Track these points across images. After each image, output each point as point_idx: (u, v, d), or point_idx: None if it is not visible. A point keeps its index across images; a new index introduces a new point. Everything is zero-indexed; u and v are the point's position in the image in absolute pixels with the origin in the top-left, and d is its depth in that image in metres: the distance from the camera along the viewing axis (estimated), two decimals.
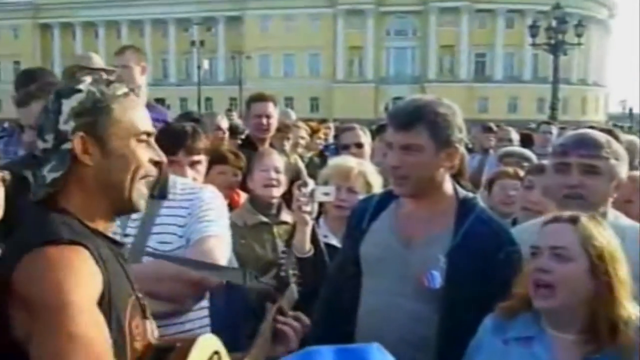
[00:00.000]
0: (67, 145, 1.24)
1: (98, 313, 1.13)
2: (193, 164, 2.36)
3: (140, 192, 1.29)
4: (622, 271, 1.59)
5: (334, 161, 2.94)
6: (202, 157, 2.42)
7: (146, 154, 1.29)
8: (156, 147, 1.33)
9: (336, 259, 2.28)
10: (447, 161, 1.90)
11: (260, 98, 4.02)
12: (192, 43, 47.44)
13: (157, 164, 1.32)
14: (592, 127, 2.97)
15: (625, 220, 2.02)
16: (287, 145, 4.39)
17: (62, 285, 1.10)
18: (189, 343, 1.24)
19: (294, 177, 3.37)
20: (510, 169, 3.38)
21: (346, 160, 2.89)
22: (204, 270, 1.84)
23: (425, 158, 1.86)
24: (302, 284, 2.22)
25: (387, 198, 2.06)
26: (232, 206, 3.07)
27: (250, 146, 3.83)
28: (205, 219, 1.98)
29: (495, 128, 6.05)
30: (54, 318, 1.08)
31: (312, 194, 2.38)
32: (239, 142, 4.38)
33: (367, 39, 60.69)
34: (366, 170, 2.72)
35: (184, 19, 61.11)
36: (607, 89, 67.16)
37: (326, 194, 2.41)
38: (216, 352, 1.29)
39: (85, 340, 1.07)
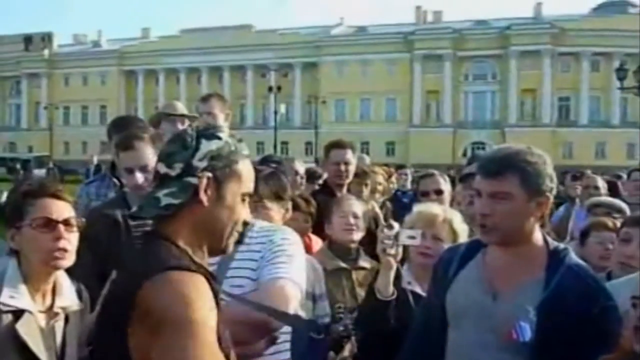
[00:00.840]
0: (192, 180, 1.35)
1: (215, 338, 1.23)
2: (256, 207, 2.36)
3: (233, 239, 1.41)
4: None
5: (419, 208, 2.89)
6: (268, 203, 2.40)
7: (244, 212, 1.42)
8: (248, 209, 1.45)
9: (421, 308, 2.26)
10: (538, 210, 1.88)
11: (338, 145, 4.08)
12: (269, 88, 48.74)
13: (245, 224, 1.44)
14: None
15: None
16: (366, 191, 4.39)
17: (189, 302, 1.19)
18: None
19: (372, 224, 3.36)
20: (609, 220, 3.18)
21: (431, 207, 2.84)
22: (266, 314, 1.86)
23: (515, 206, 1.84)
24: (383, 328, 2.18)
25: (474, 247, 2.04)
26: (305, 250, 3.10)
27: (327, 192, 3.88)
28: (276, 261, 1.98)
29: (589, 173, 5.82)
30: (184, 332, 1.17)
31: (397, 237, 2.36)
32: (317, 187, 4.43)
33: (445, 83, 60.47)
34: (452, 218, 2.68)
35: (262, 66, 63.11)
36: None
37: (411, 237, 2.38)
38: None
39: (212, 349, 1.18)
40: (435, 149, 53.84)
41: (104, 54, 70.28)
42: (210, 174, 1.35)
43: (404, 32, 61.44)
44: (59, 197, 1.82)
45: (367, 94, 61.95)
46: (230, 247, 1.42)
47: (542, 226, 3.21)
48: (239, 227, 1.41)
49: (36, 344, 1.69)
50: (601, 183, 5.41)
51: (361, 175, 4.32)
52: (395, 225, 2.44)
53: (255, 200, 2.37)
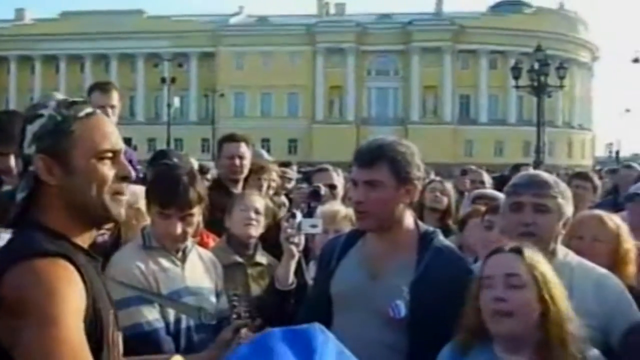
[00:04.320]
0: (31, 168, 1.40)
1: (81, 324, 1.27)
2: (184, 217, 2.46)
3: (117, 202, 1.42)
4: (560, 291, 1.86)
5: (321, 208, 3.19)
6: (196, 210, 2.49)
7: (111, 171, 1.41)
8: (124, 163, 1.44)
9: (307, 298, 2.44)
10: (407, 197, 2.16)
11: (232, 138, 4.07)
12: (163, 80, 47.42)
13: (125, 178, 1.43)
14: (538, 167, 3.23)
15: (574, 257, 2.27)
16: (264, 188, 4.48)
17: (53, 294, 1.23)
18: None
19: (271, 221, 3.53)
20: (482, 208, 3.54)
21: (333, 205, 3.19)
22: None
23: (386, 194, 2.10)
24: (281, 316, 2.40)
25: (354, 236, 2.30)
26: (201, 246, 3.21)
27: (220, 188, 3.86)
28: None
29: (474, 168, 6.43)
30: (46, 324, 1.21)
31: (299, 226, 2.52)
32: (207, 183, 4.46)
33: (348, 79, 61.69)
34: (352, 214, 2.79)
35: (154, 55, 61.47)
36: (593, 133, 68.75)
37: (313, 226, 2.56)
38: None
39: (73, 345, 1.23)
40: (338, 145, 54.26)
41: None
42: (42, 155, 1.37)
43: (307, 24, 62.02)
44: None
45: (268, 87, 61.98)
46: (120, 211, 1.43)
47: (448, 216, 3.52)
48: (115, 186, 1.41)
49: None
50: (487, 178, 6.03)
51: (258, 171, 4.27)
52: (298, 214, 2.61)
53: (185, 209, 2.44)
